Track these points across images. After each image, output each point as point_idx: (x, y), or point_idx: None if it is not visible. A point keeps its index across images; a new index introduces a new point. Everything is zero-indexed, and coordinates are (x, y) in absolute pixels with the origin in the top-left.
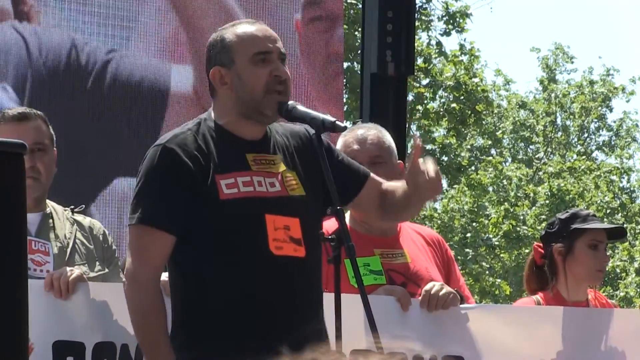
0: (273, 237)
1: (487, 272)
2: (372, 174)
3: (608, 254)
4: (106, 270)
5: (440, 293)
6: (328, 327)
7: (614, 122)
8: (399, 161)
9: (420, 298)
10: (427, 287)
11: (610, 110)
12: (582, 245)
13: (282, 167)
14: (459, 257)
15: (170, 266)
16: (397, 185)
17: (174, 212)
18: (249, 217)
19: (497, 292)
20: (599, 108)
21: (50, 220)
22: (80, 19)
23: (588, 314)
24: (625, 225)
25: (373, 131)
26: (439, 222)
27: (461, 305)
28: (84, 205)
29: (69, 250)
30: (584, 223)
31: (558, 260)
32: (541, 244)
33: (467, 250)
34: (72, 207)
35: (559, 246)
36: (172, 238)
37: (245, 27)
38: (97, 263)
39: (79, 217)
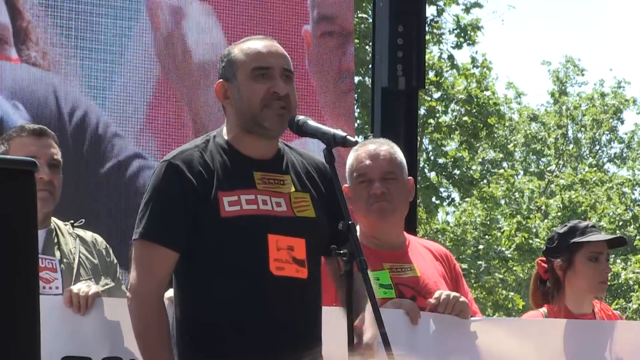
0: (274, 257)
1: (500, 284)
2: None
3: (620, 266)
4: (112, 284)
5: (451, 296)
6: (340, 341)
7: (626, 134)
8: (409, 177)
9: (431, 303)
10: (437, 293)
11: (622, 123)
12: (582, 258)
13: (292, 189)
14: (472, 270)
15: (174, 282)
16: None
17: (176, 229)
18: (249, 235)
19: (510, 305)
20: (610, 120)
21: (55, 237)
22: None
23: (593, 325)
24: (638, 237)
25: (385, 147)
26: (451, 235)
27: (470, 319)
28: (83, 220)
29: (75, 265)
30: (582, 236)
31: (560, 275)
32: (544, 259)
33: (480, 262)
34: (72, 221)
35: (559, 261)
36: (175, 254)
37: (253, 42)
38: (102, 277)
39: (80, 232)
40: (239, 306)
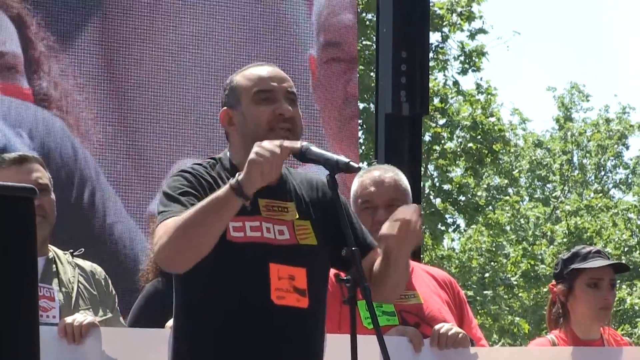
0: (276, 287)
1: (506, 311)
2: (377, 247)
3: (626, 291)
4: (111, 315)
5: (450, 332)
6: None
7: (631, 159)
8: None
9: (430, 337)
10: (437, 327)
11: (627, 148)
12: (581, 284)
13: (295, 215)
14: (477, 298)
15: (174, 312)
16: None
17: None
18: (251, 263)
19: (516, 330)
20: (616, 146)
21: (54, 266)
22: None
23: (599, 352)
24: None
25: (390, 174)
26: (457, 262)
27: (471, 348)
28: (83, 249)
29: (74, 295)
30: (583, 262)
31: (563, 301)
32: (555, 284)
33: (486, 292)
34: (72, 250)
35: (561, 287)
36: None
37: (254, 69)
38: (101, 308)
39: (80, 261)
40: (240, 334)
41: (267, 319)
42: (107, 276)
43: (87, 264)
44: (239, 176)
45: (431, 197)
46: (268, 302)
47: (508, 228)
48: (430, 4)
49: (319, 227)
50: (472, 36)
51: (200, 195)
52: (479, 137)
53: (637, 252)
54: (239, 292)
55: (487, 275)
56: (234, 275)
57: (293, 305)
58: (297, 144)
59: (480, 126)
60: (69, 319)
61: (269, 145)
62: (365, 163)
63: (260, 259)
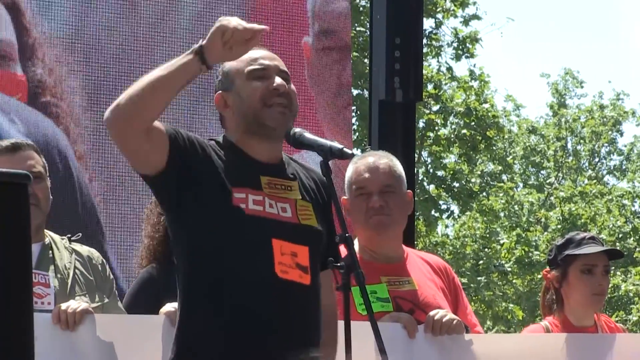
0: (279, 261)
1: (500, 297)
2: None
3: (620, 278)
4: (106, 300)
5: (444, 319)
6: (337, 355)
7: (625, 146)
8: (408, 190)
9: (424, 324)
10: (432, 313)
11: (621, 135)
12: (575, 271)
13: (298, 195)
14: (471, 285)
15: (178, 292)
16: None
17: (180, 133)
18: (254, 237)
19: (510, 317)
20: (610, 132)
21: (50, 252)
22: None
23: (593, 339)
24: (638, 249)
25: (384, 160)
26: (450, 248)
27: (466, 334)
28: (80, 234)
29: (69, 281)
30: (576, 248)
31: (557, 288)
32: (549, 270)
33: (480, 278)
34: (69, 235)
35: (554, 274)
36: (167, 143)
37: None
38: (97, 293)
39: (77, 246)
40: (244, 308)
41: (271, 291)
42: (104, 261)
43: (85, 249)
44: (203, 41)
45: (425, 183)
46: (272, 275)
47: (502, 214)
48: None
49: (319, 212)
50: (465, 22)
51: (183, 140)
52: (473, 123)
53: (631, 238)
54: (242, 265)
55: (481, 261)
56: (237, 249)
57: (296, 280)
58: (263, 28)
59: (474, 112)
60: (63, 306)
61: (238, 19)
62: (359, 149)
63: (262, 234)
